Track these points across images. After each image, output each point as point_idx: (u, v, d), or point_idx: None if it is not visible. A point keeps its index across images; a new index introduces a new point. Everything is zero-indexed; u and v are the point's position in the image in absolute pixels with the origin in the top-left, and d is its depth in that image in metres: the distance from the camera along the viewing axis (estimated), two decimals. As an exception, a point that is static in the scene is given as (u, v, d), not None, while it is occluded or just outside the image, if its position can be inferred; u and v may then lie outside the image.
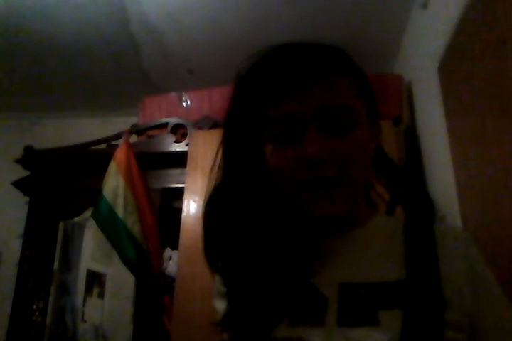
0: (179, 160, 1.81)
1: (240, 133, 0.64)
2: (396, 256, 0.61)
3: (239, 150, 0.64)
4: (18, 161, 2.07)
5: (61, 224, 2.12)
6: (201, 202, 1.75)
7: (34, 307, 1.94)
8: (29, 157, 2.08)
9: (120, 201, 1.72)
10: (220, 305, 0.66)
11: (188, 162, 1.76)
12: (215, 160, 0.67)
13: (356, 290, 0.59)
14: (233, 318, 0.62)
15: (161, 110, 2.07)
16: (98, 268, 2.23)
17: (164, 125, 1.99)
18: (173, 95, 2.08)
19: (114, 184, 1.74)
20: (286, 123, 0.59)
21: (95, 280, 2.21)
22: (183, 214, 1.68)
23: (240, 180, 0.64)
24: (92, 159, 2.00)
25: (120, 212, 1.70)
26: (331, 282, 0.60)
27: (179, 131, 1.97)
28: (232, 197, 0.64)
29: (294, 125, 0.58)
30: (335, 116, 0.58)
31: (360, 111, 0.61)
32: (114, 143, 2.04)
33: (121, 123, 2.32)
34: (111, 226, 1.71)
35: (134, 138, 2.04)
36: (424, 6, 1.67)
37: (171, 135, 1.95)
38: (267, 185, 0.62)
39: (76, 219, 2.13)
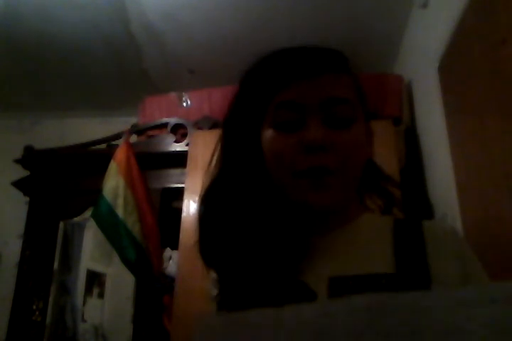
0: (179, 160, 1.81)
1: (242, 117, 0.65)
2: (384, 250, 0.61)
3: (238, 137, 0.65)
4: (18, 161, 2.07)
5: (61, 224, 2.12)
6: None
7: (34, 307, 1.94)
8: (29, 157, 2.08)
9: (120, 201, 1.72)
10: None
11: (188, 162, 1.76)
12: (214, 151, 0.68)
13: (345, 283, 0.59)
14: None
15: (161, 110, 2.07)
16: (98, 268, 2.23)
17: (164, 125, 1.99)
18: (173, 95, 2.08)
19: (114, 184, 1.74)
20: (291, 109, 0.61)
21: (95, 280, 2.20)
22: (183, 214, 1.68)
23: (236, 171, 0.64)
24: (92, 159, 2.00)
25: (120, 212, 1.70)
26: (320, 278, 0.60)
27: (179, 131, 1.97)
28: (228, 191, 0.64)
29: (298, 112, 0.60)
30: (337, 108, 0.60)
31: (359, 109, 0.63)
32: (114, 143, 2.05)
33: (121, 123, 2.31)
34: (111, 226, 1.71)
35: (134, 138, 2.04)
36: (424, 6, 1.67)
37: (171, 135, 1.95)
38: (262, 177, 0.63)
39: (76, 219, 2.12)
